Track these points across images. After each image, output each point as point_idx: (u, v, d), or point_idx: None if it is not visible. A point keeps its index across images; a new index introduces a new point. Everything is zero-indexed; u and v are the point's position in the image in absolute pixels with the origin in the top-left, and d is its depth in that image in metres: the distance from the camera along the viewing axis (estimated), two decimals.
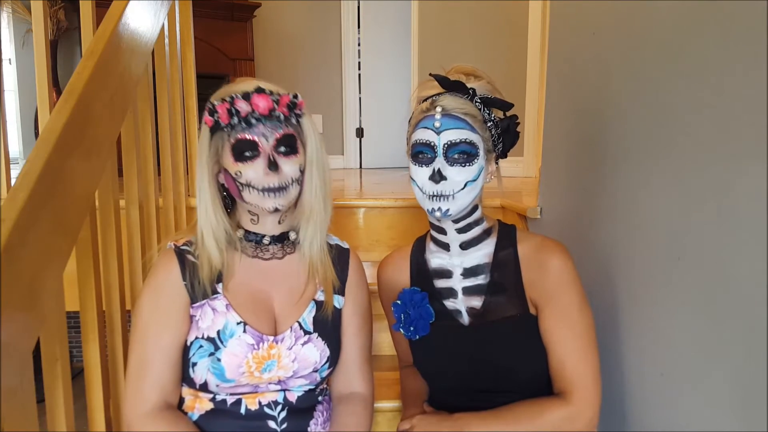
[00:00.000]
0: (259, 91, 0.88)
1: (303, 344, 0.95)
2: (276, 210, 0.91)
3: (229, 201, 0.98)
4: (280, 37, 4.22)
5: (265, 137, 0.89)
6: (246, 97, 0.87)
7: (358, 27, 4.37)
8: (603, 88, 1.15)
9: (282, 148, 0.90)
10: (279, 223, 0.98)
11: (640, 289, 1.00)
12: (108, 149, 1.02)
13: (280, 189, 0.90)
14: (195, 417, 0.94)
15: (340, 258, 1.05)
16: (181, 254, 0.95)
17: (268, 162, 0.88)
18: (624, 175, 1.05)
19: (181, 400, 0.95)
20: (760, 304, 0.70)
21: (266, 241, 0.98)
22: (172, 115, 1.55)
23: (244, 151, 0.89)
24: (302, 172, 0.94)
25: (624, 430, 1.05)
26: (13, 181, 1.19)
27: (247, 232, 0.98)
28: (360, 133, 4.50)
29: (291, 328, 0.96)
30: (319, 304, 0.99)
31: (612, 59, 1.11)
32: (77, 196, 0.87)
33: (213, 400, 0.94)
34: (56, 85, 3.36)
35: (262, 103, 0.88)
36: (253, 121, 0.88)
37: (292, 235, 1.00)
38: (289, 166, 0.91)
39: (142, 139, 1.28)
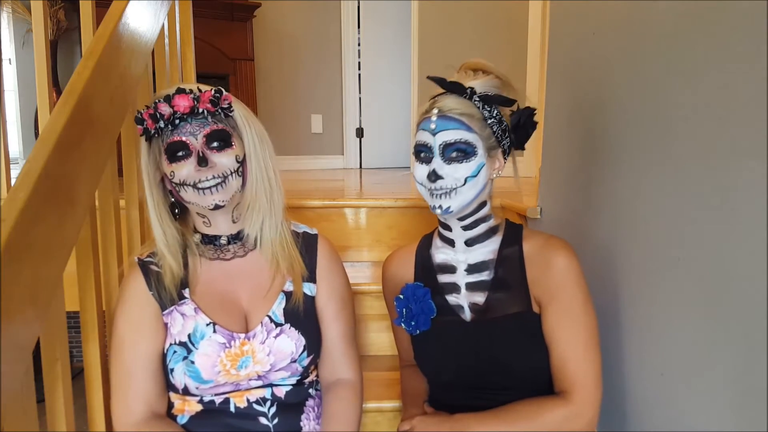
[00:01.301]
0: (179, 91, 0.90)
1: (276, 337, 0.96)
2: (217, 207, 0.92)
3: (179, 207, 0.98)
4: (280, 37, 4.22)
5: (193, 135, 0.90)
6: (167, 99, 0.89)
7: (358, 27, 4.36)
8: (603, 89, 1.15)
9: (214, 144, 0.91)
10: (234, 222, 0.99)
11: (640, 288, 1.00)
12: (108, 149, 1.02)
13: (215, 182, 0.90)
14: (186, 419, 0.95)
15: (307, 245, 1.05)
16: (144, 266, 0.97)
17: (198, 159, 0.90)
18: (624, 174, 1.05)
19: (171, 404, 0.96)
20: (760, 304, 0.70)
21: (223, 241, 0.99)
22: None
23: (176, 152, 0.90)
24: (242, 163, 0.94)
25: (624, 430, 1.05)
26: (13, 181, 1.19)
27: (203, 235, 0.99)
28: (360, 133, 4.49)
29: (261, 322, 0.96)
30: (288, 295, 1.00)
31: (612, 59, 1.11)
32: (77, 196, 0.87)
33: (201, 401, 0.94)
34: (56, 85, 3.36)
35: (182, 103, 0.89)
36: (177, 121, 0.89)
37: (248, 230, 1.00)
38: (225, 159, 0.92)
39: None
